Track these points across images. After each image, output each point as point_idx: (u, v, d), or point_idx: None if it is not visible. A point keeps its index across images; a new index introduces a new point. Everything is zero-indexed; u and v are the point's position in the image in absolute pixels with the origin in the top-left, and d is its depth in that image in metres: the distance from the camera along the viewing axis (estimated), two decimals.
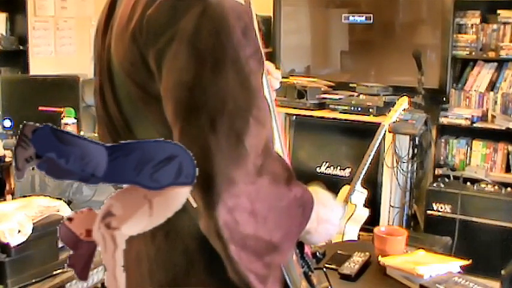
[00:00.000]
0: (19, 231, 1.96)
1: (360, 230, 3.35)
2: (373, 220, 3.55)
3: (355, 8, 4.36)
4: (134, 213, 0.78)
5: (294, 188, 0.97)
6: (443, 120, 4.08)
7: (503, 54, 3.94)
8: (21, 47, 4.52)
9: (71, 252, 0.82)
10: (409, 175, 3.87)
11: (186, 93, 0.90)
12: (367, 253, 2.03)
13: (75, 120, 3.22)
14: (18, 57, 4.53)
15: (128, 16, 0.97)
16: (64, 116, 3.20)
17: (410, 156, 3.83)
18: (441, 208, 3.72)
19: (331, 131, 4.20)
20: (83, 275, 0.83)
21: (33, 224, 2.00)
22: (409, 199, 3.89)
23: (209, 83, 0.89)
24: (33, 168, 0.73)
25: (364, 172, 3.28)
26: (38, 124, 0.72)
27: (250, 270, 0.91)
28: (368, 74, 4.36)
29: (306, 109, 4.17)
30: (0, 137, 3.24)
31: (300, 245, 1.14)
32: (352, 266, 1.94)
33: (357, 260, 1.99)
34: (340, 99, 4.11)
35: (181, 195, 0.78)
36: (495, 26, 3.99)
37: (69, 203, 2.45)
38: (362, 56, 4.50)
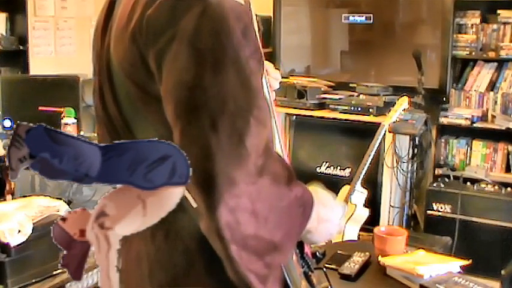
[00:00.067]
0: (19, 231, 1.96)
1: (360, 230, 3.35)
2: (373, 220, 3.55)
3: (355, 8, 4.36)
4: (128, 213, 0.78)
5: (295, 188, 0.97)
6: (443, 120, 4.08)
7: (503, 54, 3.94)
8: (21, 47, 4.52)
9: (65, 252, 0.82)
10: (409, 175, 3.87)
11: (186, 93, 0.90)
12: (367, 253, 2.03)
13: (75, 120, 3.23)
14: (18, 57, 4.53)
15: (127, 16, 0.97)
16: (64, 116, 3.20)
17: (410, 156, 3.83)
18: (441, 208, 3.72)
19: (331, 131, 4.20)
20: (76, 275, 0.83)
21: (33, 224, 2.00)
22: (409, 199, 3.89)
23: (209, 83, 0.89)
24: (27, 168, 0.73)
25: (364, 172, 3.28)
26: (31, 124, 0.72)
27: (251, 270, 0.91)
28: (368, 74, 4.36)
29: (306, 109, 4.17)
30: (0, 137, 3.23)
31: (300, 245, 1.14)
32: (352, 266, 1.94)
33: (357, 260, 1.99)
34: (340, 99, 4.11)
35: (175, 195, 0.78)
36: (495, 26, 3.99)
37: (69, 203, 2.45)
38: (362, 56, 4.49)
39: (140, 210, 0.78)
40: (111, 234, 0.78)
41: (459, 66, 4.16)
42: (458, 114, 4.04)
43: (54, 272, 2.06)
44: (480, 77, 4.07)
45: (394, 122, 3.34)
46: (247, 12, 0.95)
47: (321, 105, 4.19)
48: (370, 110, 3.93)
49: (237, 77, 0.90)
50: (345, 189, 3.35)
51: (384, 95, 3.98)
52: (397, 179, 3.85)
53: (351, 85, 4.21)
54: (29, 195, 2.39)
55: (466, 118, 4.00)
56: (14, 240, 1.94)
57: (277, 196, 0.94)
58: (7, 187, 2.70)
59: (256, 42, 0.95)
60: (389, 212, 3.86)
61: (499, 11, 3.97)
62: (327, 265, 1.87)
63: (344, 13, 4.36)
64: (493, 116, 3.98)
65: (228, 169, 0.87)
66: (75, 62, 4.73)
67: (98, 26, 1.11)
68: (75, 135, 0.75)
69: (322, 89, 4.29)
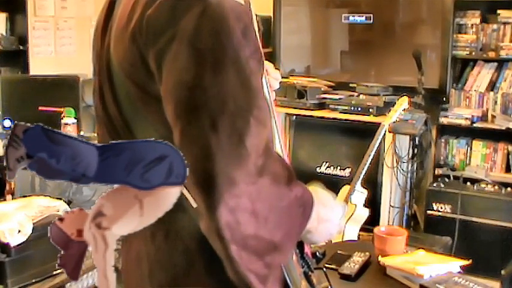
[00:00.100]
0: (19, 231, 1.96)
1: (360, 230, 3.35)
2: (373, 220, 3.55)
3: (355, 8, 4.36)
4: (125, 213, 0.78)
5: (295, 188, 0.97)
6: (443, 120, 4.08)
7: (503, 54, 3.94)
8: (21, 47, 4.52)
9: (62, 252, 0.83)
10: (409, 175, 3.87)
11: (186, 93, 0.90)
12: (367, 253, 2.03)
13: (75, 120, 3.23)
14: (18, 57, 4.53)
15: (127, 16, 0.97)
16: (64, 116, 3.20)
17: (410, 156, 3.83)
18: (441, 208, 3.72)
19: (331, 131, 4.20)
20: (73, 275, 0.83)
21: (33, 224, 2.00)
22: (409, 199, 3.89)
23: (209, 83, 0.89)
24: (25, 168, 0.73)
25: (364, 172, 3.28)
26: (29, 124, 0.72)
27: (251, 270, 0.91)
28: (368, 74, 4.36)
29: (306, 109, 4.17)
30: (0, 137, 3.23)
31: (300, 245, 1.14)
32: (352, 266, 1.94)
33: (357, 260, 1.99)
34: (340, 99, 4.11)
35: (172, 195, 0.79)
36: (495, 26, 3.99)
37: (69, 203, 2.45)
38: (362, 56, 4.49)
39: (137, 210, 0.78)
40: (108, 234, 0.78)
41: (459, 66, 4.16)
42: (458, 114, 4.04)
43: (54, 272, 2.06)
44: (480, 77, 4.07)
45: (394, 122, 3.34)
46: (247, 12, 0.95)
47: (321, 105, 4.19)
48: (370, 110, 3.93)
49: (237, 77, 0.90)
50: (345, 189, 3.35)
51: (383, 95, 3.98)
52: (397, 179, 3.85)
53: (351, 85, 4.21)
54: (29, 195, 2.39)
55: (466, 118, 4.00)
56: (14, 240, 1.94)
57: (277, 196, 0.94)
58: (7, 187, 2.70)
59: (256, 42, 0.95)
60: (389, 212, 3.86)
61: (499, 11, 3.97)
62: (327, 265, 1.87)
63: (344, 13, 4.36)
64: (493, 116, 3.98)
65: (228, 169, 0.87)
66: (75, 62, 4.73)
67: (98, 26, 1.11)
68: (73, 135, 0.75)
69: (322, 89, 4.29)
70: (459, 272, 1.90)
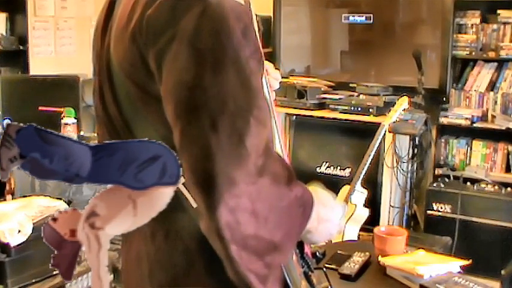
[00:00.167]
0: (19, 231, 1.96)
1: (360, 230, 3.35)
2: (373, 220, 3.54)
3: (355, 8, 4.36)
4: (118, 213, 0.78)
5: (295, 188, 0.97)
6: (443, 120, 4.08)
7: (503, 54, 3.94)
8: (21, 47, 4.52)
9: (55, 252, 0.82)
10: (409, 175, 3.87)
11: (186, 93, 0.90)
12: (367, 253, 2.03)
13: (75, 120, 3.22)
14: (18, 57, 4.53)
15: (127, 16, 0.97)
16: (64, 116, 3.20)
17: (410, 156, 3.83)
18: (441, 208, 3.72)
19: (331, 131, 4.20)
20: (67, 275, 0.83)
21: (33, 224, 2.00)
22: (409, 199, 3.89)
23: (209, 83, 0.89)
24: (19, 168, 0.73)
25: (364, 172, 3.28)
26: (22, 124, 0.72)
27: (251, 270, 0.91)
28: (368, 74, 4.36)
29: (306, 109, 4.17)
30: (0, 137, 3.23)
31: (300, 245, 1.15)
32: (352, 266, 1.94)
33: (357, 260, 1.99)
34: (340, 99, 4.11)
35: (166, 195, 0.79)
36: (495, 26, 3.99)
37: (69, 203, 2.45)
38: (362, 56, 4.49)
39: (131, 210, 0.78)
40: (102, 234, 0.78)
41: (459, 66, 4.15)
42: (458, 114, 4.04)
43: (54, 272, 2.05)
44: (480, 77, 4.07)
45: (394, 122, 3.34)
46: (247, 12, 0.95)
47: (321, 105, 4.19)
48: (370, 110, 3.93)
49: (237, 77, 0.90)
50: (345, 189, 3.35)
51: (384, 95, 3.98)
52: (397, 179, 3.85)
53: (351, 85, 4.21)
54: (29, 195, 2.39)
55: (466, 118, 4.00)
56: (14, 240, 1.94)
57: (277, 196, 0.94)
58: (7, 187, 2.70)
59: (256, 42, 0.95)
60: (389, 212, 3.85)
61: (499, 11, 3.97)
62: (327, 265, 1.87)
63: (344, 13, 4.36)
64: (493, 116, 3.98)
65: (228, 169, 0.87)
66: (75, 62, 4.73)
67: (97, 26, 1.11)
68: (66, 135, 0.75)
69: (322, 89, 4.29)
70: (459, 272, 1.90)
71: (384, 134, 3.37)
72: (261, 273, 0.93)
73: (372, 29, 4.33)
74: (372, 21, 4.25)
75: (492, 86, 4.03)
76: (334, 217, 1.10)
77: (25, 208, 2.09)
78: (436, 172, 4.11)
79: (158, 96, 0.94)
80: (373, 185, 3.84)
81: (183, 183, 0.94)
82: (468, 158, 4.06)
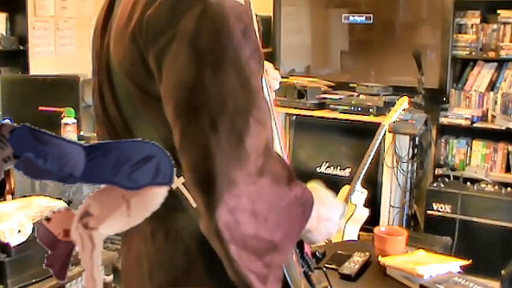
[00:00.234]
0: (19, 231, 1.96)
1: (360, 230, 3.35)
2: (373, 220, 3.55)
3: (355, 8, 4.36)
4: (112, 213, 0.78)
5: (295, 188, 0.97)
6: (443, 120, 4.08)
7: (503, 54, 3.94)
8: (21, 47, 4.51)
9: (49, 252, 0.82)
10: (409, 175, 3.87)
11: (186, 93, 0.90)
12: (367, 253, 2.03)
13: (75, 120, 3.22)
14: (18, 57, 4.53)
15: (127, 16, 0.97)
16: (64, 116, 3.20)
17: (410, 156, 3.83)
18: (441, 208, 3.72)
19: (331, 131, 4.20)
20: (60, 275, 0.83)
21: (33, 224, 2.00)
22: (409, 199, 3.88)
23: (209, 83, 0.89)
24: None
25: (364, 172, 3.28)
26: (15, 124, 0.72)
27: (251, 270, 0.91)
28: (368, 74, 4.36)
29: (306, 109, 4.17)
30: None
31: (300, 245, 1.15)
32: (352, 266, 1.94)
33: (357, 260, 1.99)
34: (340, 99, 4.11)
35: (159, 195, 0.79)
36: (495, 26, 3.99)
37: (69, 203, 2.45)
38: (362, 56, 4.49)
39: (124, 210, 0.78)
40: (95, 234, 0.78)
41: (459, 66, 4.15)
42: (458, 114, 4.04)
43: None
44: (480, 77, 4.07)
45: (394, 122, 3.34)
46: (247, 12, 0.95)
47: (321, 105, 4.19)
48: (370, 110, 3.93)
49: (237, 77, 0.90)
50: (345, 189, 3.35)
51: (384, 95, 3.98)
52: (397, 179, 3.85)
53: (351, 85, 4.21)
54: (29, 195, 2.39)
55: (466, 118, 4.00)
56: (14, 240, 1.94)
57: (277, 196, 0.94)
58: (7, 187, 2.70)
59: (256, 42, 0.95)
60: (389, 212, 3.85)
61: (499, 11, 3.97)
62: (327, 265, 1.87)
63: (344, 13, 4.36)
64: (493, 116, 3.98)
65: (228, 169, 0.87)
66: (75, 62, 4.73)
67: (97, 26, 1.11)
68: (59, 135, 0.75)
69: (322, 89, 4.29)
70: (459, 272, 1.90)
71: (384, 134, 3.37)
72: (261, 273, 0.93)
73: (372, 29, 4.33)
74: (372, 21, 4.25)
75: (492, 86, 4.03)
76: (334, 216, 1.10)
77: (25, 208, 2.08)
78: (436, 172, 4.11)
79: (158, 96, 0.94)
80: (373, 185, 3.84)
81: (183, 183, 0.94)
82: (468, 158, 4.06)
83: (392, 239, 2.05)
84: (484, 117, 4.03)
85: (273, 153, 0.96)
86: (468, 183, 3.81)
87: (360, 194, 3.34)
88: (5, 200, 2.65)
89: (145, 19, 0.93)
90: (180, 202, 0.96)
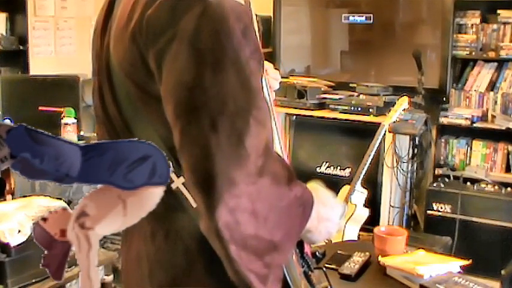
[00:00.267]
0: (19, 231, 1.96)
1: (360, 230, 3.35)
2: (373, 220, 3.55)
3: (355, 8, 4.36)
4: (108, 213, 0.78)
5: (295, 188, 0.97)
6: (443, 120, 4.08)
7: (503, 54, 3.94)
8: (21, 47, 4.52)
9: (45, 252, 0.82)
10: (409, 175, 3.87)
11: (186, 93, 0.90)
12: (367, 253, 2.03)
13: (75, 120, 3.22)
14: (18, 57, 4.53)
15: (127, 16, 0.97)
16: (64, 116, 3.20)
17: (410, 156, 3.83)
18: (441, 208, 3.72)
19: (331, 131, 4.20)
20: (57, 275, 0.83)
21: (33, 224, 2.00)
22: (409, 199, 3.88)
23: (209, 83, 0.89)
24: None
25: (364, 172, 3.28)
26: (12, 124, 0.72)
27: (251, 270, 0.91)
28: (368, 74, 4.36)
29: (306, 109, 4.17)
30: None
31: (300, 245, 1.15)
32: (352, 266, 1.94)
33: (357, 260, 1.99)
34: (340, 99, 4.11)
35: (155, 195, 0.79)
36: (495, 26, 3.99)
37: (69, 203, 2.45)
38: (362, 56, 4.49)
39: (120, 210, 0.78)
40: (92, 234, 0.78)
41: (459, 66, 4.15)
42: (458, 114, 4.04)
43: None
44: (480, 77, 4.07)
45: (394, 122, 3.34)
46: (247, 12, 0.95)
47: (321, 105, 4.19)
48: (370, 110, 3.93)
49: (237, 78, 0.90)
50: (345, 189, 3.35)
51: (384, 95, 3.98)
52: (397, 179, 3.85)
53: (351, 85, 4.21)
54: (29, 195, 2.39)
55: (466, 118, 4.00)
56: (14, 240, 1.94)
57: (277, 196, 0.94)
58: (7, 187, 2.70)
59: (256, 42, 0.95)
60: (389, 212, 3.85)
61: (499, 11, 3.97)
62: (327, 265, 1.87)
63: (344, 13, 4.36)
64: (493, 116, 3.98)
65: (228, 169, 0.87)
66: (75, 62, 4.73)
67: (97, 26, 1.11)
68: (56, 135, 0.75)
69: (322, 89, 4.29)
70: (459, 272, 1.90)
71: (384, 134, 3.37)
72: (261, 273, 0.93)
73: (372, 29, 4.33)
74: (372, 21, 4.25)
75: (492, 86, 4.03)
76: (334, 216, 1.10)
77: (25, 208, 2.08)
78: (436, 172, 4.11)
79: (158, 96, 0.94)
80: (373, 185, 3.84)
81: (183, 183, 0.94)
82: (468, 158, 4.06)
83: (392, 239, 2.05)
84: (484, 117, 4.03)
85: (273, 153, 0.96)
86: (468, 183, 3.81)
87: (360, 194, 3.34)
88: (5, 200, 2.65)
89: (145, 19, 0.93)
90: (180, 202, 0.96)
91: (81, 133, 3.33)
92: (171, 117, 0.92)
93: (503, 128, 3.88)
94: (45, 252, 0.82)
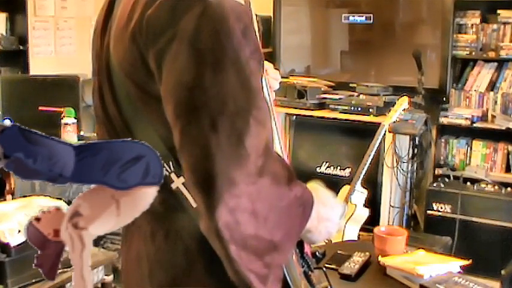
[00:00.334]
0: (19, 231, 1.96)
1: (360, 230, 3.35)
2: (373, 220, 3.55)
3: (355, 8, 4.36)
4: (102, 213, 0.78)
5: (295, 188, 0.97)
6: (443, 120, 4.08)
7: (503, 54, 3.94)
8: (21, 47, 4.51)
9: (39, 252, 0.82)
10: (409, 175, 3.87)
11: (186, 93, 0.90)
12: (367, 253, 2.03)
13: (75, 120, 3.23)
14: (18, 57, 4.53)
15: (127, 16, 0.97)
16: (64, 116, 3.20)
17: (410, 156, 3.83)
18: (441, 208, 3.72)
19: (331, 131, 4.20)
20: (50, 275, 0.83)
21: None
22: (409, 199, 3.88)
23: (209, 83, 0.89)
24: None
25: (364, 172, 3.28)
26: (5, 124, 0.72)
27: (251, 270, 0.91)
28: (368, 74, 4.36)
29: (306, 109, 4.17)
30: None
31: (300, 245, 1.15)
32: (352, 266, 1.94)
33: (357, 260, 1.99)
34: (340, 99, 4.11)
35: (149, 195, 0.79)
36: (495, 26, 3.99)
37: (69, 203, 2.45)
38: (362, 56, 4.49)
39: (114, 210, 0.78)
40: (85, 234, 0.78)
41: (459, 66, 4.15)
42: (458, 114, 4.04)
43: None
44: (480, 77, 4.07)
45: (394, 122, 3.34)
46: (247, 12, 0.95)
47: (321, 105, 4.19)
48: (370, 110, 3.93)
49: (237, 78, 0.90)
50: (345, 189, 3.35)
51: (384, 95, 3.98)
52: (397, 179, 3.85)
53: (351, 85, 4.21)
54: (29, 195, 2.39)
55: (466, 118, 4.00)
56: (14, 240, 1.94)
57: (277, 196, 0.94)
58: (7, 187, 2.70)
59: (256, 42, 0.95)
60: (389, 212, 3.85)
61: (499, 11, 3.97)
62: (327, 265, 1.87)
63: (344, 13, 4.36)
64: (493, 116, 3.98)
65: (228, 169, 0.87)
66: (75, 62, 4.73)
67: (97, 26, 1.11)
68: (49, 135, 0.75)
69: (322, 89, 4.29)
70: (459, 272, 1.90)
71: (384, 134, 3.37)
72: (261, 273, 0.93)
73: (372, 29, 4.33)
74: (372, 21, 4.25)
75: (492, 86, 4.03)
76: (334, 216, 1.10)
77: (25, 208, 2.08)
78: (436, 172, 4.11)
79: (158, 96, 0.94)
80: (373, 185, 3.84)
81: (183, 183, 0.94)
82: (468, 158, 4.06)
83: (392, 239, 2.05)
84: (484, 117, 4.03)
85: (273, 153, 0.96)
86: (468, 183, 3.81)
87: (360, 194, 3.34)
88: (5, 200, 2.65)
89: (145, 19, 0.93)
90: (180, 202, 0.96)
91: (81, 133, 3.33)
92: (171, 117, 0.92)
93: (503, 128, 3.88)
94: (39, 252, 0.82)
